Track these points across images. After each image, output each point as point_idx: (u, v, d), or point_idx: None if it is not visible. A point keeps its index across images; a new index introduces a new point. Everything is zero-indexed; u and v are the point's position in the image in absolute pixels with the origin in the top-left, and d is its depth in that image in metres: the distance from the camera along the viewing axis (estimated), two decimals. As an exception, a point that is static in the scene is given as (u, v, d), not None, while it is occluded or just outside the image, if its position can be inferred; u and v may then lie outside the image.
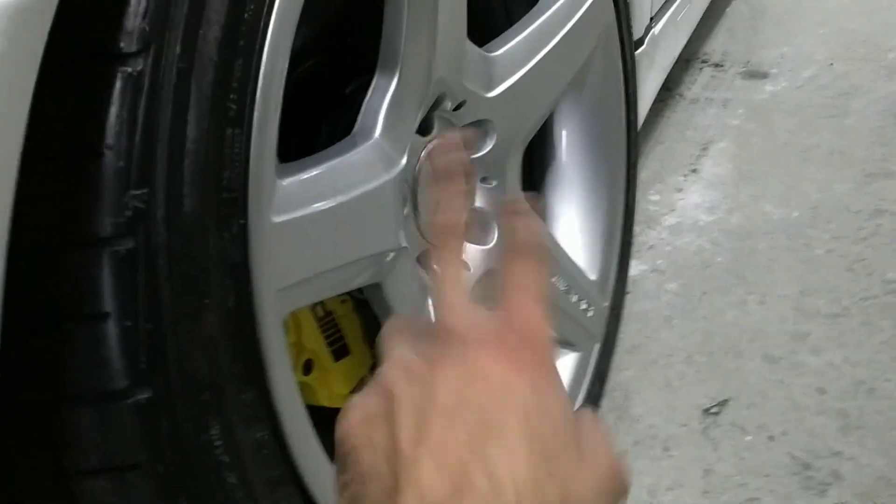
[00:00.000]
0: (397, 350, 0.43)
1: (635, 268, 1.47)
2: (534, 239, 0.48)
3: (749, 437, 1.16)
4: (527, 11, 0.98)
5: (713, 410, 1.20)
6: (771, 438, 1.15)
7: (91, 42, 0.48)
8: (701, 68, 2.17)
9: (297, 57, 0.80)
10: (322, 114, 0.82)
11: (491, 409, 0.38)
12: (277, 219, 0.58)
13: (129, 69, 0.48)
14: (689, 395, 1.23)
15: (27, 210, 0.47)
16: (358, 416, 0.40)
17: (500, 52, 0.92)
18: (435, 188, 0.48)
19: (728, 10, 2.47)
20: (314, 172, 0.65)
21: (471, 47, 0.87)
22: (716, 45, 2.28)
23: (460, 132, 0.73)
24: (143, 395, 0.50)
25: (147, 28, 0.48)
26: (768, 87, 2.04)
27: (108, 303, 0.48)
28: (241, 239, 0.54)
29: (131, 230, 0.49)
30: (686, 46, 1.89)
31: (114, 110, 0.48)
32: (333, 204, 0.65)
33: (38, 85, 0.43)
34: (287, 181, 0.60)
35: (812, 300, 1.38)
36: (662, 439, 1.17)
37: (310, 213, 0.62)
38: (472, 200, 0.97)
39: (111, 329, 0.49)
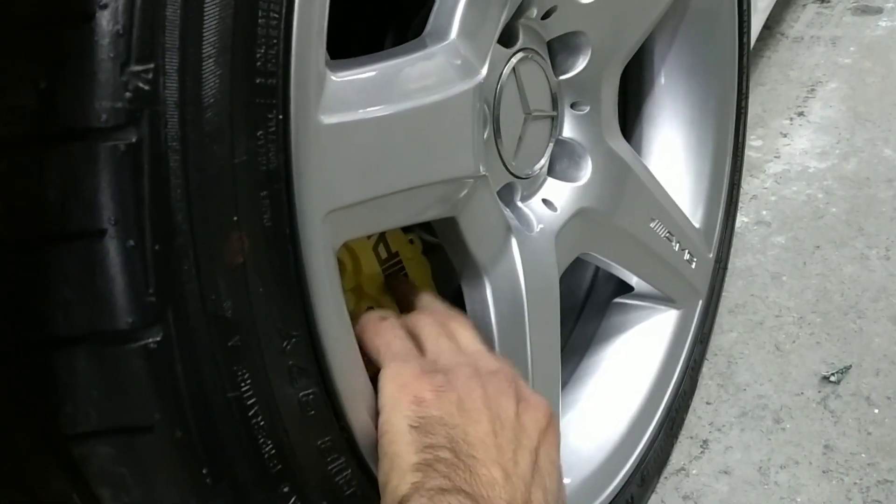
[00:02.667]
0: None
1: (737, 219, 1.32)
2: (443, 304, 0.64)
3: (877, 410, 1.00)
4: None
5: (832, 378, 1.05)
6: (904, 412, 0.99)
7: None
8: (804, 5, 1.97)
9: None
10: (387, 16, 0.70)
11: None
12: (327, 119, 0.45)
13: None
14: (802, 361, 1.08)
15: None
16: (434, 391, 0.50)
17: (597, -49, 0.78)
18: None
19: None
20: (374, 71, 0.52)
21: (564, -55, 0.73)
22: (820, -19, 2.07)
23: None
24: (153, 338, 0.39)
25: None
26: (883, 22, 1.83)
27: (104, 215, 0.37)
28: (281, 140, 0.42)
29: (133, 119, 0.37)
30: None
31: (107, -44, 0.36)
32: (398, 110, 0.52)
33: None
34: (340, 76, 0.48)
35: (946, 255, 1.21)
36: (773, 410, 1.02)
37: (369, 117, 0.49)
38: (559, 129, 0.83)
39: (108, 250, 0.37)
